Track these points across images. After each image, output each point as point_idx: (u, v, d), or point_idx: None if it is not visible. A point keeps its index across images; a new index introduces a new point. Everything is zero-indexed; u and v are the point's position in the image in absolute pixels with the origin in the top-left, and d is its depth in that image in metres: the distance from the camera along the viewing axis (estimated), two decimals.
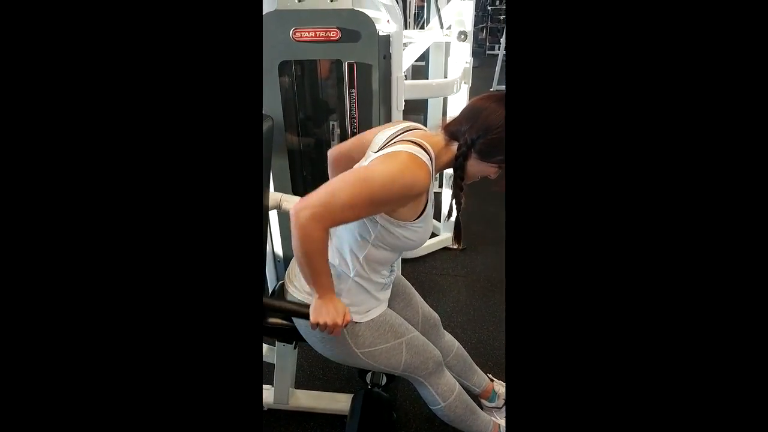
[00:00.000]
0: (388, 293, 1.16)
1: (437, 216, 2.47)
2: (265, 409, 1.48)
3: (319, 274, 0.93)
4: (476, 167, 0.97)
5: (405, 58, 2.14)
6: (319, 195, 0.87)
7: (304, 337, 1.13)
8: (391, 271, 1.14)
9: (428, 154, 0.94)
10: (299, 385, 1.54)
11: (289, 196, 1.39)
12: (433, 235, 2.47)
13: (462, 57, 2.06)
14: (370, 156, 0.97)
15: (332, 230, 1.06)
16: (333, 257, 1.04)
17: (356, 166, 1.00)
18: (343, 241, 1.03)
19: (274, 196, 1.38)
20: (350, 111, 1.61)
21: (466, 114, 0.95)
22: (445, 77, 2.30)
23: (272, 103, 1.58)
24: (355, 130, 1.63)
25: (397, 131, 1.04)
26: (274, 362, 1.39)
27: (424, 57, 2.50)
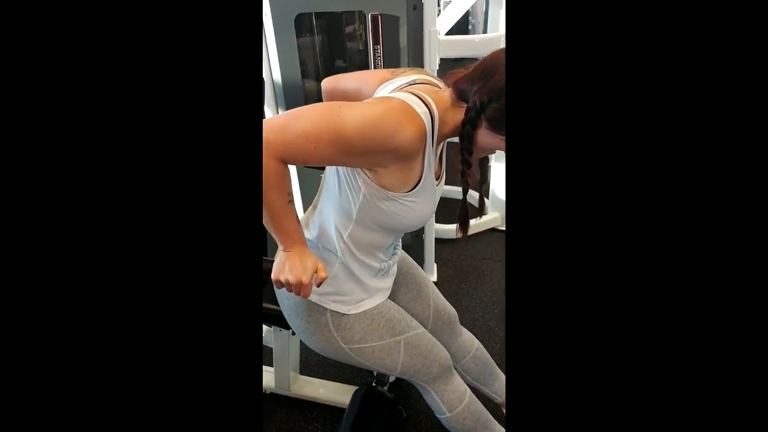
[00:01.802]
0: (387, 281, 0.98)
1: (485, 190, 2.22)
2: (267, 392, 1.39)
3: (278, 217, 0.73)
4: (488, 139, 0.75)
5: (451, 12, 1.89)
6: (277, 118, 0.69)
7: (288, 323, 0.99)
8: (393, 254, 0.96)
9: (429, 111, 0.73)
10: (306, 371, 1.43)
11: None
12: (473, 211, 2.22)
13: None
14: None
15: (317, 204, 0.90)
16: (317, 237, 0.88)
17: None
18: (325, 216, 0.87)
19: None
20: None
21: (480, 69, 0.73)
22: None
23: (289, 62, 1.43)
24: None
25: (405, 83, 0.84)
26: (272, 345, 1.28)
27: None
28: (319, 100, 1.60)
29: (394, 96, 0.73)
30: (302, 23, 1.42)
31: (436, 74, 1.47)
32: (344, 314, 0.91)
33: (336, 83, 0.99)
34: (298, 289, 0.75)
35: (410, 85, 0.83)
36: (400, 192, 0.77)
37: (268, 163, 0.68)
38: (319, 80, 1.55)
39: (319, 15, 1.44)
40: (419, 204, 0.79)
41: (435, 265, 1.91)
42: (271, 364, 1.37)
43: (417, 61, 1.44)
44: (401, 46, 1.39)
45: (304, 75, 1.48)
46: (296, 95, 1.49)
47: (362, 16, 1.35)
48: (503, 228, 2.18)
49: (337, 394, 1.36)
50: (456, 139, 0.80)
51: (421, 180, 0.77)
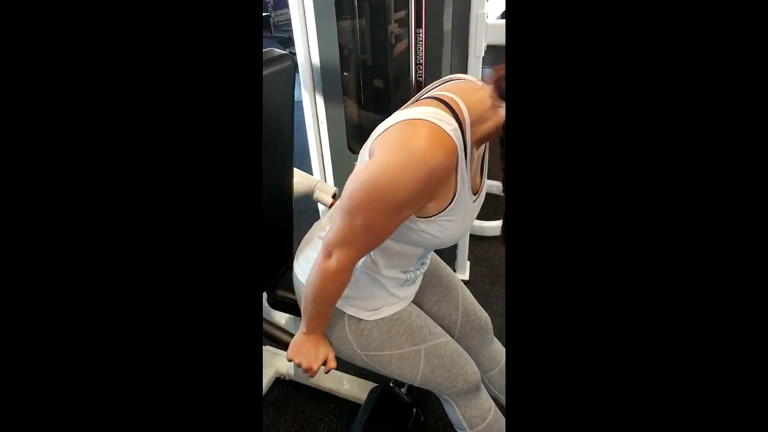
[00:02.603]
0: (412, 290, 0.92)
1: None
2: (287, 378, 1.39)
3: (319, 318, 0.82)
4: None
5: None
6: (336, 235, 0.71)
7: None
8: (422, 263, 0.90)
9: (457, 119, 0.66)
10: None
11: (325, 185, 1.19)
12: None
13: None
14: (392, 118, 0.72)
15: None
16: None
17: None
18: None
19: (308, 180, 1.19)
20: (416, 56, 1.33)
21: None
22: None
23: (328, 47, 1.37)
24: (420, 78, 1.36)
25: (436, 84, 0.77)
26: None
27: None
28: (357, 85, 1.54)
29: (418, 118, 0.65)
30: (343, 6, 1.35)
31: (481, 61, 1.37)
32: (362, 320, 0.86)
33: None
34: (306, 371, 0.84)
35: (444, 83, 0.76)
36: (433, 214, 0.71)
37: (346, 277, 0.75)
38: (358, 65, 1.48)
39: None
40: (453, 223, 0.73)
41: (468, 263, 1.83)
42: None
43: (461, 46, 1.34)
44: (445, 31, 1.30)
45: (342, 59, 1.42)
46: (334, 79, 1.44)
47: None
48: None
49: (355, 388, 1.34)
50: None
51: (455, 197, 0.70)
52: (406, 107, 0.74)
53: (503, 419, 0.99)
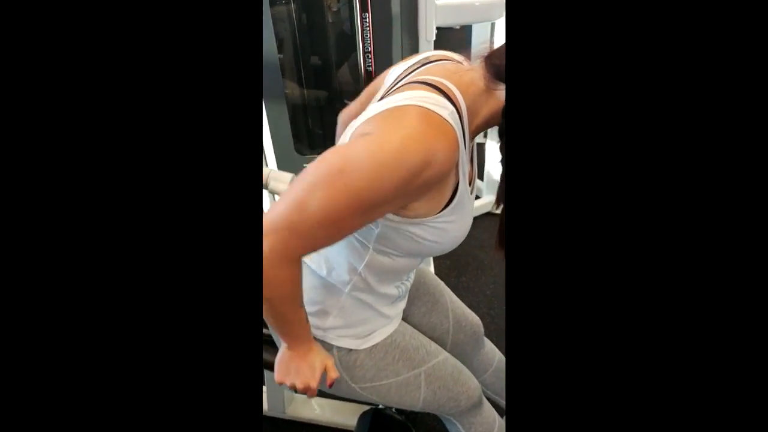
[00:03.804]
0: (402, 305, 0.82)
1: (479, 172, 2.07)
2: None
3: (289, 326, 0.63)
4: None
5: None
6: (280, 210, 0.53)
7: None
8: (411, 272, 0.80)
9: (455, 106, 0.56)
10: None
11: (280, 173, 1.05)
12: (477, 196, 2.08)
13: None
14: (367, 112, 0.60)
15: None
16: (320, 266, 0.71)
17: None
18: (330, 247, 0.69)
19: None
20: (363, 43, 1.21)
21: None
22: None
23: (264, 39, 1.21)
24: (369, 67, 1.25)
25: (412, 65, 0.66)
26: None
27: None
28: (300, 79, 1.39)
29: (409, 102, 0.54)
30: None
31: (432, 45, 1.28)
32: (352, 350, 0.75)
33: (346, 111, 0.82)
34: (304, 391, 0.67)
35: (423, 66, 0.65)
36: (432, 214, 0.60)
37: (286, 271, 0.54)
38: (298, 58, 1.34)
39: None
40: (454, 223, 0.63)
41: (431, 258, 1.77)
42: (263, 383, 1.21)
43: (412, 31, 1.24)
44: (393, 14, 1.19)
45: (281, 51, 1.27)
46: (274, 73, 1.28)
47: None
48: (497, 212, 2.04)
49: (337, 414, 1.22)
50: None
51: (457, 194, 0.60)
52: (379, 99, 0.63)
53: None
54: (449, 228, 0.62)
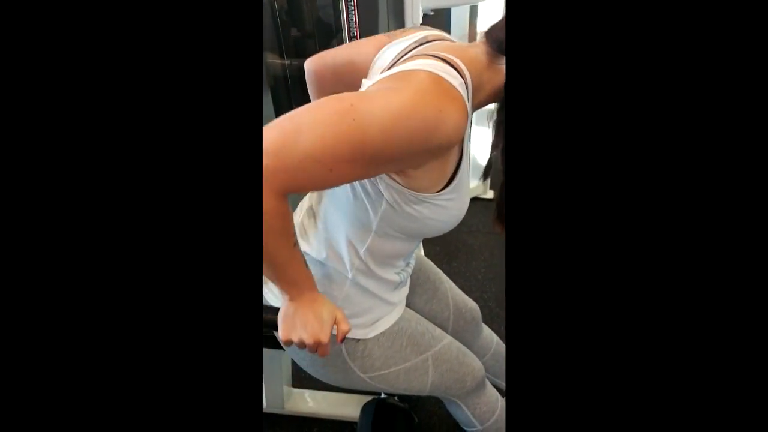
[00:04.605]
0: (404, 291, 0.81)
1: None
2: None
3: (282, 267, 0.56)
4: None
5: None
6: (271, 135, 0.47)
7: (288, 353, 0.81)
8: (410, 257, 0.79)
9: (462, 78, 0.54)
10: (300, 382, 1.26)
11: None
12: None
13: None
14: (365, 84, 0.59)
15: (319, 212, 0.70)
16: (320, 251, 0.69)
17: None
18: (332, 229, 0.67)
19: None
20: (349, 26, 1.18)
21: None
22: None
23: None
24: None
25: (411, 44, 0.64)
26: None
27: None
28: (283, 72, 1.35)
29: (419, 68, 0.52)
30: None
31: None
32: (360, 340, 0.73)
33: (322, 62, 0.76)
34: (315, 348, 0.59)
35: (422, 45, 0.63)
36: (434, 191, 0.59)
37: (269, 202, 0.48)
38: (281, 46, 1.30)
39: None
40: (455, 201, 0.62)
41: (420, 244, 1.76)
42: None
43: (397, 12, 1.22)
44: None
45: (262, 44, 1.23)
46: None
47: None
48: (486, 196, 2.05)
49: (337, 405, 1.21)
50: None
51: (459, 170, 0.59)
52: (380, 73, 0.61)
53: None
54: (449, 206, 0.61)
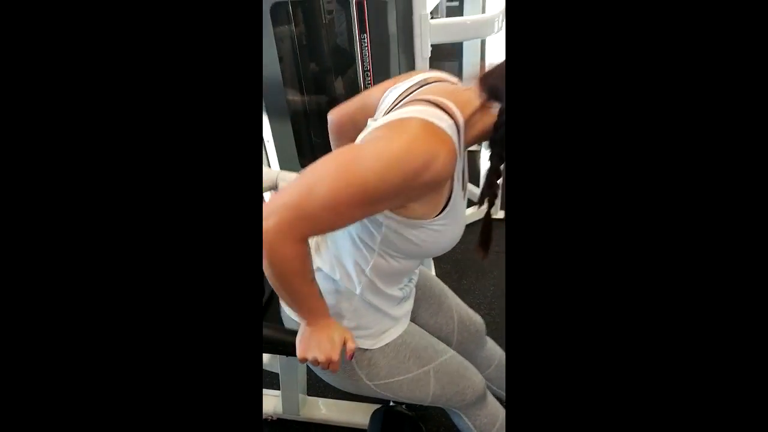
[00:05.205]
0: (409, 305, 0.89)
1: (474, 179, 2.14)
2: (275, 418, 1.30)
3: (303, 300, 0.68)
4: None
5: None
6: (289, 192, 0.59)
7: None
8: (413, 275, 0.87)
9: (453, 121, 0.63)
10: (313, 391, 1.34)
11: (288, 174, 1.12)
12: (471, 203, 2.15)
13: None
14: (370, 125, 0.68)
15: (327, 235, 0.79)
16: (332, 269, 0.78)
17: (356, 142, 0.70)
18: (340, 248, 0.76)
19: (269, 174, 1.11)
20: (362, 61, 1.29)
21: None
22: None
23: (266, 56, 1.28)
24: (369, 84, 1.32)
25: (411, 86, 0.73)
26: (278, 371, 1.18)
27: None
28: (302, 98, 1.46)
29: (411, 115, 0.61)
30: (279, 13, 1.27)
31: (428, 63, 1.36)
32: (367, 350, 0.81)
33: (342, 112, 0.88)
34: (327, 365, 0.70)
35: (421, 86, 0.72)
36: (429, 218, 0.67)
37: (292, 248, 0.59)
38: (300, 76, 1.41)
39: (296, 4, 1.29)
40: (449, 226, 0.70)
41: (432, 262, 1.83)
42: (277, 387, 1.27)
43: (408, 49, 1.32)
44: (390, 34, 1.27)
45: (283, 70, 1.34)
46: (277, 95, 1.35)
47: (347, 4, 1.21)
48: (497, 216, 2.12)
49: (349, 413, 1.28)
50: None
51: (451, 199, 0.67)
52: (383, 115, 0.70)
53: None
54: (444, 231, 0.69)
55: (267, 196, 1.15)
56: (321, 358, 0.69)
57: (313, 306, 0.69)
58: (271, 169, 1.17)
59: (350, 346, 0.71)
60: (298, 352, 0.71)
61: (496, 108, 0.65)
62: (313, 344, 0.70)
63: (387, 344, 0.83)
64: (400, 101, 0.71)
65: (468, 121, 0.65)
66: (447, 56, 2.72)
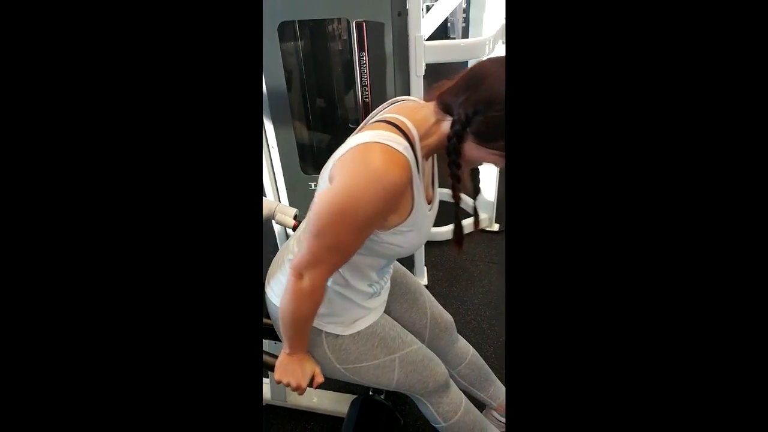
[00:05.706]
0: (381, 299, 0.98)
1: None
2: (263, 404, 1.39)
3: (299, 338, 0.86)
4: (474, 152, 0.73)
5: (433, 16, 1.88)
6: (308, 252, 0.75)
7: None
8: (386, 273, 0.96)
9: (407, 138, 0.73)
10: None
11: (285, 207, 1.23)
12: (467, 215, 2.23)
13: (500, 10, 1.75)
14: (348, 142, 0.78)
15: (306, 224, 0.89)
16: None
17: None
18: None
19: (268, 204, 1.22)
20: (361, 78, 1.40)
21: (464, 80, 0.72)
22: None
23: (273, 71, 1.41)
24: (366, 99, 1.43)
25: (385, 105, 0.84)
26: None
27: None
28: (304, 107, 1.57)
29: (370, 141, 0.72)
30: (286, 32, 1.39)
31: (422, 80, 1.47)
32: (339, 335, 0.91)
33: None
34: (295, 389, 0.88)
35: (391, 105, 0.83)
36: (394, 225, 0.77)
37: (319, 296, 0.80)
38: (304, 89, 1.53)
39: (302, 23, 1.41)
40: (413, 232, 0.80)
41: (425, 269, 1.92)
42: (266, 375, 1.37)
43: (403, 67, 1.43)
44: (387, 53, 1.38)
45: (289, 84, 1.46)
46: (282, 103, 1.47)
47: (347, 24, 1.33)
48: (491, 229, 2.20)
49: (334, 403, 1.37)
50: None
51: (413, 209, 0.77)
52: (357, 132, 0.80)
53: (476, 410, 1.08)
54: (409, 236, 0.79)
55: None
56: (293, 384, 0.87)
57: (300, 343, 0.87)
58: (270, 200, 1.28)
59: (317, 379, 0.89)
60: (276, 375, 0.88)
61: (448, 122, 0.75)
62: (289, 372, 0.87)
63: (358, 332, 0.92)
64: (372, 118, 0.82)
65: (424, 135, 0.76)
66: (443, 76, 2.82)
